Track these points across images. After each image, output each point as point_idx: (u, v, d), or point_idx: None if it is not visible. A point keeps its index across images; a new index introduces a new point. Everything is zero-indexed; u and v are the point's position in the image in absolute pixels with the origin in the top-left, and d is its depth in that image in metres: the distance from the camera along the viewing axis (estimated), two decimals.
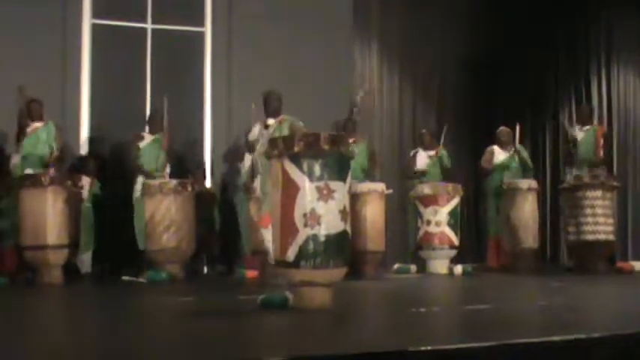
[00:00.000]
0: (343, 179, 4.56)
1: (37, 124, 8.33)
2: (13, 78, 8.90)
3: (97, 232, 8.93)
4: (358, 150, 8.31)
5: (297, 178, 4.44)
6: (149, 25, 10.16)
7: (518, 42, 12.24)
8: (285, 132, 6.77)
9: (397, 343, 3.26)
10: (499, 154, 9.63)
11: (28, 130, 8.29)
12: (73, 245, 7.84)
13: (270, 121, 7.24)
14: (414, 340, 3.43)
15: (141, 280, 7.73)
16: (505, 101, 12.28)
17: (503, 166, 9.58)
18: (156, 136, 8.66)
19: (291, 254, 4.49)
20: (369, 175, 8.96)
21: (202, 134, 10.14)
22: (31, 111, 8.36)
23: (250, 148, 7.45)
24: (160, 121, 8.68)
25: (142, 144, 8.63)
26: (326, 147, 4.39)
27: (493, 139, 9.79)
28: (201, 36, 10.30)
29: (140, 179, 8.36)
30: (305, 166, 4.43)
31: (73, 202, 7.79)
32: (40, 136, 8.28)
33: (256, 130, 7.36)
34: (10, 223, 8.13)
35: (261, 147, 6.81)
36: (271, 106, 7.36)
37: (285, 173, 4.48)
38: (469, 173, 11.36)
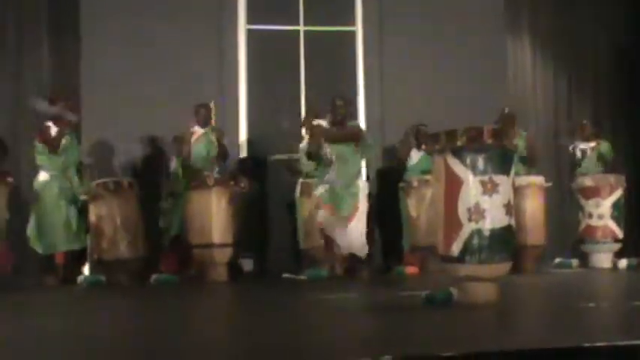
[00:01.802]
0: (507, 173, 4.51)
1: (203, 130, 8.53)
2: (173, 84, 9.30)
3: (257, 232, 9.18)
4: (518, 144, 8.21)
5: (460, 172, 4.42)
6: (301, 27, 10.34)
7: None
8: None
9: (572, 339, 3.19)
10: None
11: (195, 136, 8.50)
12: (237, 244, 8.08)
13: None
14: (589, 335, 3.35)
15: (301, 277, 7.88)
16: None
17: None
18: None
19: (455, 249, 4.48)
20: (529, 169, 8.79)
21: None
22: (199, 116, 8.56)
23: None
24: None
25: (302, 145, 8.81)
26: (489, 140, 4.36)
27: None
28: (352, 35, 10.40)
29: (300, 179, 8.53)
30: (468, 160, 4.40)
31: (235, 202, 8.06)
32: (208, 140, 8.51)
33: None
34: (172, 222, 8.52)
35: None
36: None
37: (447, 168, 4.48)
38: (631, 163, 10.94)
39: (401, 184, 8.80)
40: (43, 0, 10.01)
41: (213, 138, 8.48)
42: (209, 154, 8.42)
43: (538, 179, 8.41)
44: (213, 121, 8.56)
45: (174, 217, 8.48)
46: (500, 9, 10.54)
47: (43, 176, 7.88)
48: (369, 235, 8.19)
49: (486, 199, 4.39)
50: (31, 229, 7.90)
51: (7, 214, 7.17)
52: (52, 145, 7.87)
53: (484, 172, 4.39)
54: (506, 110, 8.88)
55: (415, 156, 8.88)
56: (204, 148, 8.40)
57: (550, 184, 8.65)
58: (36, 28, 9.95)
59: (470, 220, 4.39)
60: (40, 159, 7.92)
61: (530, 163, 8.86)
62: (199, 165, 8.29)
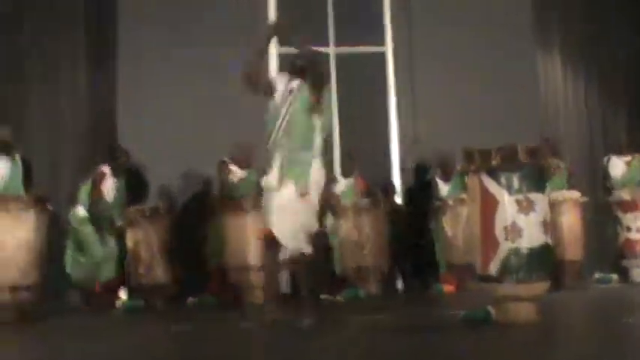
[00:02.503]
0: (542, 190, 4.50)
1: (243, 174, 8.56)
2: (209, 105, 9.38)
3: None
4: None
5: (495, 191, 4.42)
6: (332, 49, 10.41)
7: None
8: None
9: (621, 356, 3.16)
10: None
11: (235, 179, 8.47)
12: None
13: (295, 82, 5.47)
14: (634, 353, 3.32)
15: (338, 298, 7.87)
16: None
17: None
18: (349, 181, 8.82)
19: (493, 269, 4.47)
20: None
21: (389, 151, 10.25)
22: (236, 158, 8.57)
23: None
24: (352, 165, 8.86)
25: (337, 188, 8.74)
26: (524, 159, 4.36)
27: None
28: (382, 55, 10.45)
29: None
30: (503, 179, 4.40)
31: None
32: (249, 183, 8.51)
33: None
34: (214, 245, 8.54)
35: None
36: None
37: (483, 187, 4.48)
38: None
39: (436, 203, 8.78)
40: (80, 27, 10.17)
41: (254, 182, 8.48)
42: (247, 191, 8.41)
43: (574, 194, 8.36)
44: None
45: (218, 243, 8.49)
46: (530, 24, 10.55)
47: (81, 212, 7.97)
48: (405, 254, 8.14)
49: (523, 218, 4.38)
50: (67, 258, 7.99)
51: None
52: (98, 193, 7.95)
53: (519, 191, 4.39)
54: (546, 137, 8.83)
55: (443, 187, 8.88)
56: (245, 191, 8.39)
57: (586, 198, 8.58)
58: (73, 56, 10.10)
59: (507, 239, 4.39)
60: (83, 197, 8.02)
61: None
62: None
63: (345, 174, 8.96)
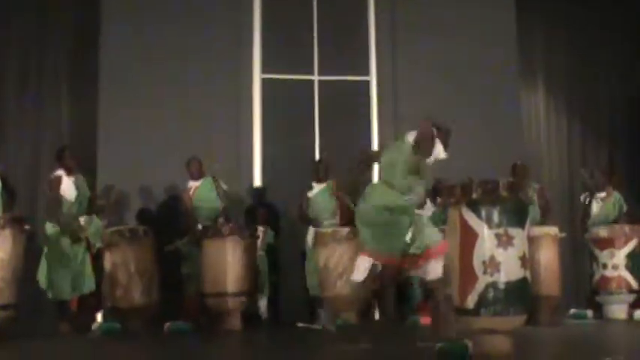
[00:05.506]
0: (522, 225, 4.53)
1: (197, 184, 8.61)
2: (191, 130, 9.40)
3: (272, 280, 9.18)
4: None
5: (475, 225, 4.45)
6: (316, 77, 10.47)
7: None
8: None
9: None
10: None
11: (191, 191, 8.57)
12: (251, 293, 8.09)
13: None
14: None
15: (315, 326, 7.86)
16: None
17: None
18: (324, 185, 8.78)
19: (470, 302, 4.48)
20: (542, 220, 8.76)
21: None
22: (190, 170, 8.63)
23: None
24: (326, 170, 8.82)
25: (310, 193, 8.76)
26: (504, 193, 4.40)
27: None
28: (366, 85, 10.51)
29: (312, 228, 8.52)
30: (483, 213, 4.43)
31: (250, 251, 8.08)
32: (202, 192, 8.55)
33: None
34: (192, 269, 8.47)
35: None
36: None
37: (462, 220, 4.50)
38: None
39: None
40: (63, 50, 10.25)
41: (210, 189, 8.53)
42: (211, 204, 8.47)
43: (552, 230, 8.39)
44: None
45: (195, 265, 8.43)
46: (514, 58, 10.66)
47: (50, 227, 7.90)
48: None
49: (501, 252, 4.41)
50: (41, 274, 7.87)
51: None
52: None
53: (499, 225, 4.42)
54: (519, 163, 8.89)
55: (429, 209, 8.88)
56: (203, 201, 8.44)
57: (564, 234, 8.63)
58: (55, 79, 10.17)
59: (485, 272, 4.41)
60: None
61: (543, 214, 8.84)
62: (203, 217, 8.34)
63: (318, 180, 8.88)
